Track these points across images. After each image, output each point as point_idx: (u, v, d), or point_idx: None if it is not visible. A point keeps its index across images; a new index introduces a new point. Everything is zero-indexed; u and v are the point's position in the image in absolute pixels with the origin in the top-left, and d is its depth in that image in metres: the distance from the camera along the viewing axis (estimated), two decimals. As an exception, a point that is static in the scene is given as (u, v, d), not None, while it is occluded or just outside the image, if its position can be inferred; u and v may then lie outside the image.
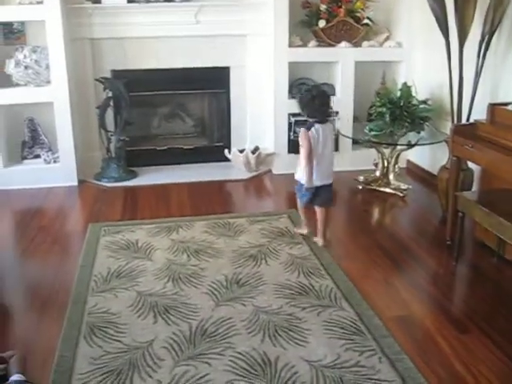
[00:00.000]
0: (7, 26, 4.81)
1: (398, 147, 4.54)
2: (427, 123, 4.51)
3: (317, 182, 3.45)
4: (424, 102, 4.52)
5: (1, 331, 2.74)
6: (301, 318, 2.73)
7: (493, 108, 3.35)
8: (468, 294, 3.20)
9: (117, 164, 4.97)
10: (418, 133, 4.48)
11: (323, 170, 3.45)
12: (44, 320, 2.83)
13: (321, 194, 3.51)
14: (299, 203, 3.66)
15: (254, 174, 5.11)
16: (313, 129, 3.38)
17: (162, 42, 4.98)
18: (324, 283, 3.08)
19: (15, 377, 2.14)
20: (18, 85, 4.73)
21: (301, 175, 3.49)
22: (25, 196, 4.63)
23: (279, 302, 2.88)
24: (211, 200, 4.52)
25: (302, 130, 3.42)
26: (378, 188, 4.66)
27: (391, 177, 4.68)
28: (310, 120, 3.43)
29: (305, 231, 3.72)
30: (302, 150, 3.42)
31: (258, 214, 4.17)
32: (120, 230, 3.84)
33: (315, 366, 2.38)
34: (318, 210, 3.56)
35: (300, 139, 3.43)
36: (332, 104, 3.58)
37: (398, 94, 4.58)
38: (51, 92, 4.68)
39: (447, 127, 4.05)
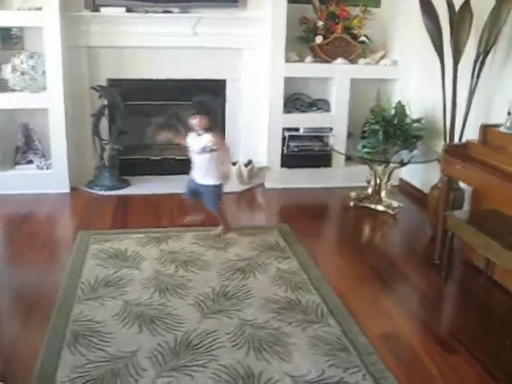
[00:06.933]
0: (6, 31, 4.80)
1: (391, 165, 4.54)
2: (420, 142, 4.54)
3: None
4: (417, 120, 4.55)
5: (-16, 337, 2.73)
6: (286, 333, 2.72)
7: (485, 129, 3.39)
8: (455, 313, 3.19)
9: (109, 172, 4.97)
10: (411, 151, 4.49)
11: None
12: (29, 326, 2.80)
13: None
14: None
15: (247, 187, 5.10)
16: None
17: (158, 52, 4.99)
18: (311, 298, 3.07)
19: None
20: (13, 90, 4.72)
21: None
22: (16, 201, 4.60)
23: (266, 316, 2.87)
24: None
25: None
26: (369, 205, 4.66)
27: (383, 194, 4.67)
28: None
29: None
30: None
31: (248, 227, 4.16)
32: (109, 239, 3.82)
33: (298, 381, 2.36)
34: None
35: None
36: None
37: (392, 112, 4.60)
38: (46, 98, 4.68)
39: (440, 146, 4.07)
